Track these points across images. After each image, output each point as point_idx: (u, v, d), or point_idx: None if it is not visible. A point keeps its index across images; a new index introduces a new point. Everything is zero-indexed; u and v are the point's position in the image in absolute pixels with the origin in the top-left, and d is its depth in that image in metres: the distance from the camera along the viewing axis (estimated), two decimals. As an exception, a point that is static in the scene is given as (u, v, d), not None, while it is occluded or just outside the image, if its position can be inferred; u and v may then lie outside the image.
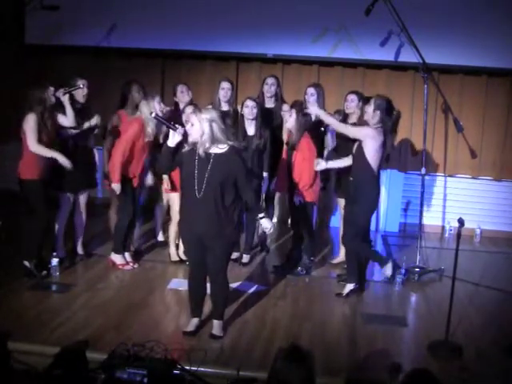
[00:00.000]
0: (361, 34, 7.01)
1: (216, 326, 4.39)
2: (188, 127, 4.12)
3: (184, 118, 5.53)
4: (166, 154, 4.19)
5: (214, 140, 4.06)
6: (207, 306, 4.55)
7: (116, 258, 5.65)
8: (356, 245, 5.19)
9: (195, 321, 4.45)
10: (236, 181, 4.13)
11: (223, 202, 4.11)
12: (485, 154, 7.39)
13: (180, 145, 4.19)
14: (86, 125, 5.50)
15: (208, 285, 4.39)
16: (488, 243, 7.27)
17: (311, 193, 5.53)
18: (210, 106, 6.05)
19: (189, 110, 5.51)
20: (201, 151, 4.07)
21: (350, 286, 5.22)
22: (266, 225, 4.26)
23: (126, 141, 5.35)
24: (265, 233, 6.30)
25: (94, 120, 5.53)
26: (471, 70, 7.18)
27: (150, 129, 5.39)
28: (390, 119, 5.02)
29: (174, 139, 4.14)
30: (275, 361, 2.86)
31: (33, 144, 5.05)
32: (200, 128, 4.05)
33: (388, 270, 5.33)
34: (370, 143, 4.94)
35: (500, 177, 7.46)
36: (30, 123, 5.04)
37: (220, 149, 4.10)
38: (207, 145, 4.06)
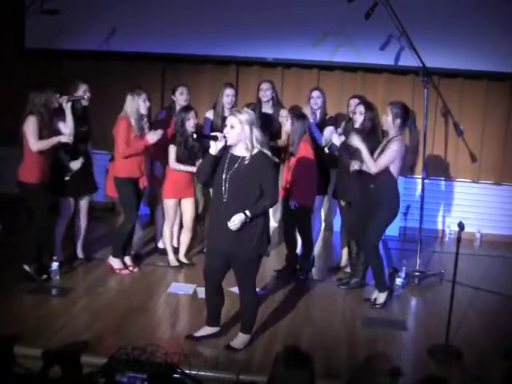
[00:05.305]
0: (361, 38, 7.01)
1: (239, 337, 4.29)
2: (227, 130, 3.97)
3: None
4: (209, 163, 4.05)
5: (254, 143, 3.97)
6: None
7: (114, 262, 5.63)
8: (375, 253, 5.10)
9: (207, 329, 4.37)
10: (261, 184, 3.99)
11: (250, 207, 3.97)
12: (485, 157, 7.39)
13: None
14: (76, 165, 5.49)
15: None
16: (488, 247, 7.25)
17: (306, 197, 5.50)
18: (212, 111, 6.07)
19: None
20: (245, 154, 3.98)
21: (383, 296, 5.12)
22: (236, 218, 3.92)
23: (121, 138, 5.39)
24: None
25: (78, 163, 5.48)
26: (471, 74, 7.17)
27: (134, 124, 5.41)
28: (407, 121, 4.99)
29: (216, 147, 3.99)
30: (275, 364, 2.85)
31: (34, 144, 5.04)
32: (242, 131, 3.95)
33: (381, 298, 5.14)
34: (394, 154, 4.88)
35: (500, 181, 7.45)
36: (30, 125, 5.04)
37: (247, 151, 3.99)
38: (249, 147, 3.96)
